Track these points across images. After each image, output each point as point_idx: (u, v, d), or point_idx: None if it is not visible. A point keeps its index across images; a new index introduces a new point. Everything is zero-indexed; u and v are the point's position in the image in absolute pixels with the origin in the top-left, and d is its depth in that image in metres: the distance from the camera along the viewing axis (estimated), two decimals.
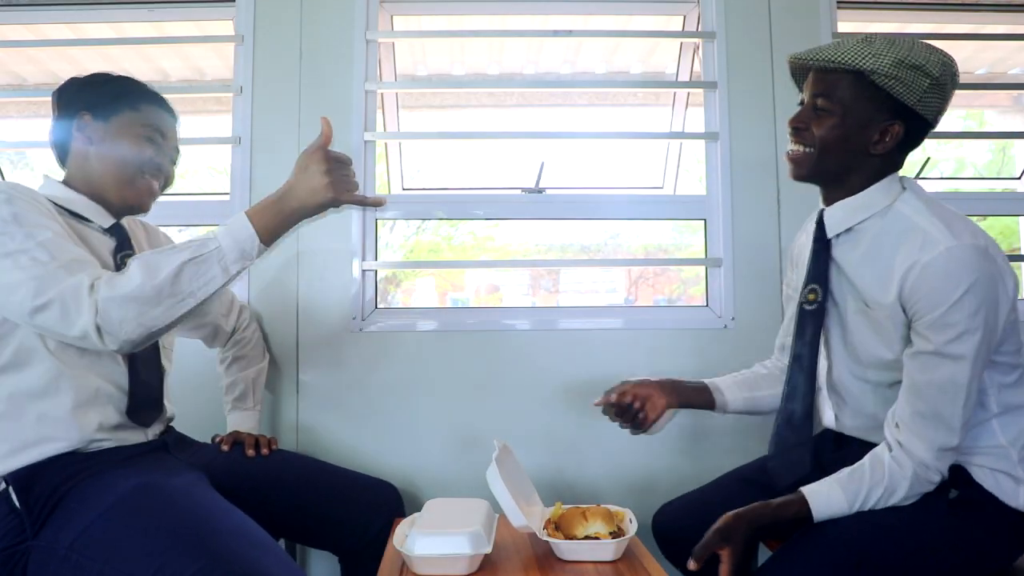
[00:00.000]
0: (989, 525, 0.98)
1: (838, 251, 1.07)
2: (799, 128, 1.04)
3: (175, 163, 1.19)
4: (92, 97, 1.10)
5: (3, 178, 1.82)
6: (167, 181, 1.18)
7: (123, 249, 1.11)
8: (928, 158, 1.83)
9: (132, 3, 1.71)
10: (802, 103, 1.07)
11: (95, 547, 0.87)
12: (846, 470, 0.99)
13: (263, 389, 1.48)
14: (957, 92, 1.02)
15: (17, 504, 0.93)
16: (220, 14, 1.71)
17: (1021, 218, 2.08)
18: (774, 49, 1.68)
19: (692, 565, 0.96)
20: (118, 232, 1.12)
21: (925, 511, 0.97)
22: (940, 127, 1.06)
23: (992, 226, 2.39)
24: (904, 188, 1.03)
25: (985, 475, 0.99)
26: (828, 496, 0.98)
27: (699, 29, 1.77)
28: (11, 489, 0.94)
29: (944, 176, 2.13)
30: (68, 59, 1.93)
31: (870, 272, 1.02)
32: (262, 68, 1.64)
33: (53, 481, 0.95)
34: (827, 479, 0.99)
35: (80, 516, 0.90)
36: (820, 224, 1.09)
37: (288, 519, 1.04)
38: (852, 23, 1.80)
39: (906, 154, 1.06)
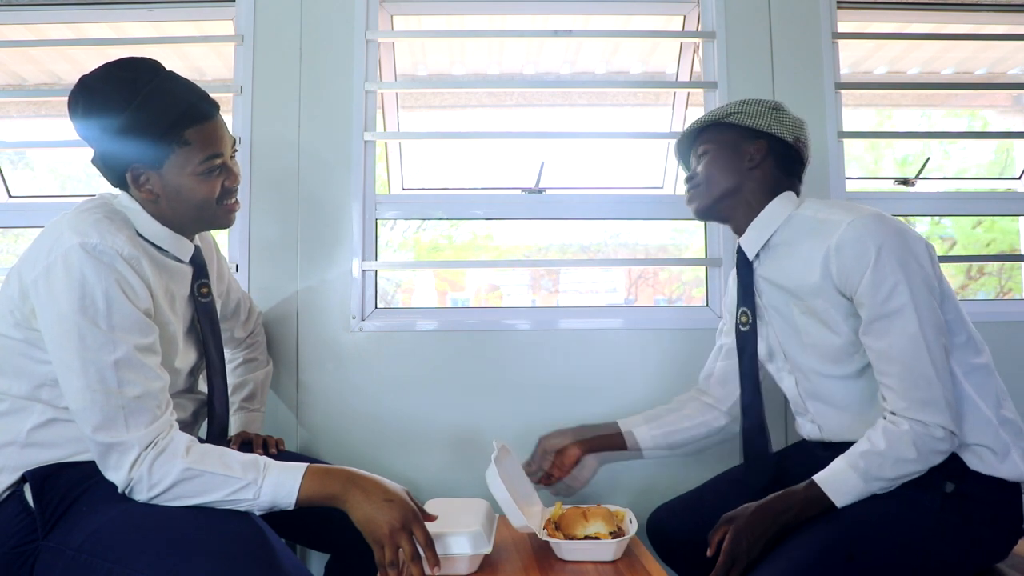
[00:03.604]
0: (984, 517, 0.99)
1: (764, 269, 1.17)
2: (690, 177, 1.23)
3: (235, 153, 1.12)
4: (131, 143, 0.98)
5: (4, 180, 1.82)
6: (239, 180, 1.13)
7: (200, 278, 1.15)
8: (928, 158, 1.83)
9: (132, 3, 1.72)
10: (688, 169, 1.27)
11: (105, 548, 0.87)
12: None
13: (267, 391, 1.48)
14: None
15: (31, 503, 0.93)
16: (220, 14, 1.71)
17: (1021, 218, 2.08)
18: (774, 49, 1.68)
19: (710, 552, 0.99)
20: (196, 260, 1.14)
21: (918, 505, 0.98)
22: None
23: (992, 226, 2.39)
24: (803, 201, 1.16)
25: (978, 454, 0.99)
26: (834, 472, 0.99)
27: (699, 29, 1.77)
28: (27, 487, 0.94)
29: (945, 176, 2.13)
30: (68, 59, 1.93)
31: (794, 270, 1.09)
32: (262, 68, 1.64)
33: (68, 483, 0.95)
34: (832, 463, 1.01)
35: (91, 518, 0.90)
36: (740, 252, 1.20)
37: (288, 519, 1.04)
38: (852, 23, 1.80)
39: (789, 175, 1.18)
